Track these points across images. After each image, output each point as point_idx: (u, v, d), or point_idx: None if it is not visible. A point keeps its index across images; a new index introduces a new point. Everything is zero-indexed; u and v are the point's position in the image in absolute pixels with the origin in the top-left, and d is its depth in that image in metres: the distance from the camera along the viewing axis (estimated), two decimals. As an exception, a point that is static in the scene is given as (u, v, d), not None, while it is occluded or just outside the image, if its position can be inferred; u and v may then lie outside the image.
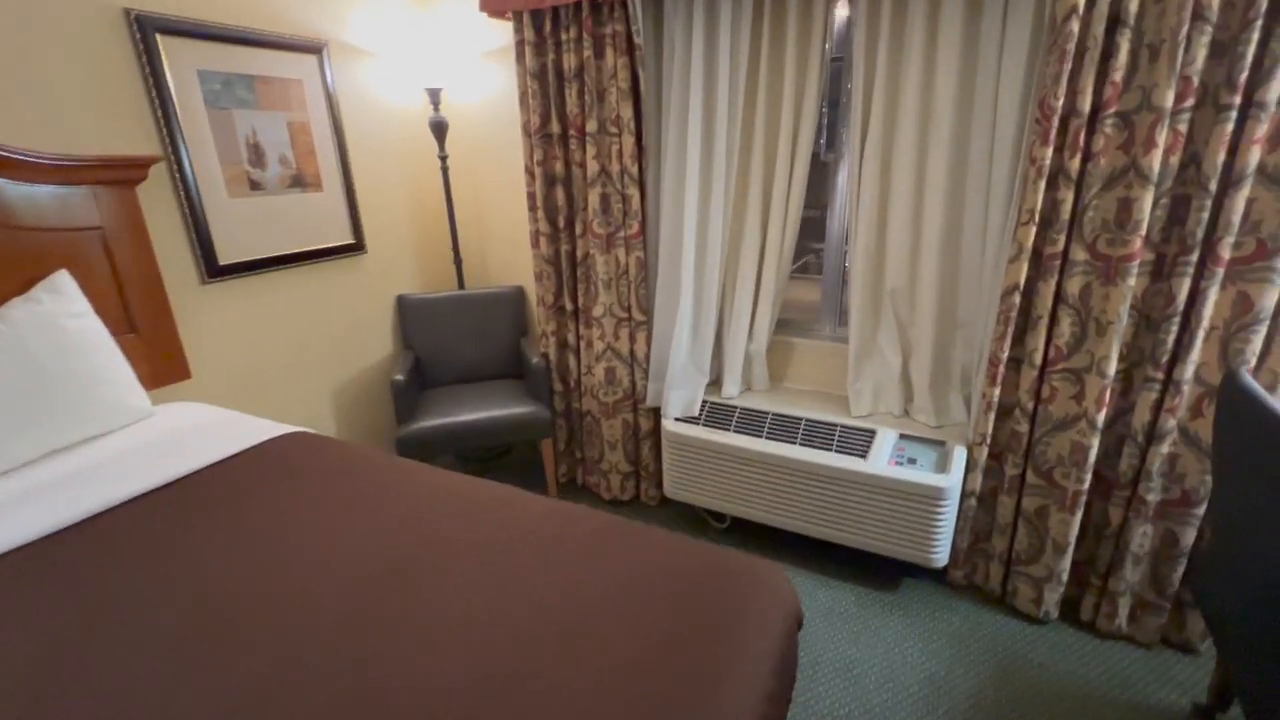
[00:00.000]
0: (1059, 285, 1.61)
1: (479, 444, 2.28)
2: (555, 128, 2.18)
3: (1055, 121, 1.49)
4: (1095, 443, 1.64)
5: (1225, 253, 1.41)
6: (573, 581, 1.06)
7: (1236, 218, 1.39)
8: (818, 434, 2.01)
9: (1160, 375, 1.55)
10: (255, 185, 2.03)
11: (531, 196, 2.29)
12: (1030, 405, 1.72)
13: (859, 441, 1.96)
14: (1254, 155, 1.34)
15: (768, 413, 2.12)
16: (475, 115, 2.61)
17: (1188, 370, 1.51)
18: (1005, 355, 1.70)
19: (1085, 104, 1.46)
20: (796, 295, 2.32)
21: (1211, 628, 1.28)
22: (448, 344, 2.61)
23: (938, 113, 1.72)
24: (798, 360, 2.28)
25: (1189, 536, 1.62)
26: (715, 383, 2.32)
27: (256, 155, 2.02)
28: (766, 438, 2.05)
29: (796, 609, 1.08)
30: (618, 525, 1.21)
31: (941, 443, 1.91)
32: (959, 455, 1.83)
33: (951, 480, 1.78)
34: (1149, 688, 1.62)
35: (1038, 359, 1.67)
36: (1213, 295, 1.45)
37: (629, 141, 2.04)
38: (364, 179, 2.41)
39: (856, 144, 1.86)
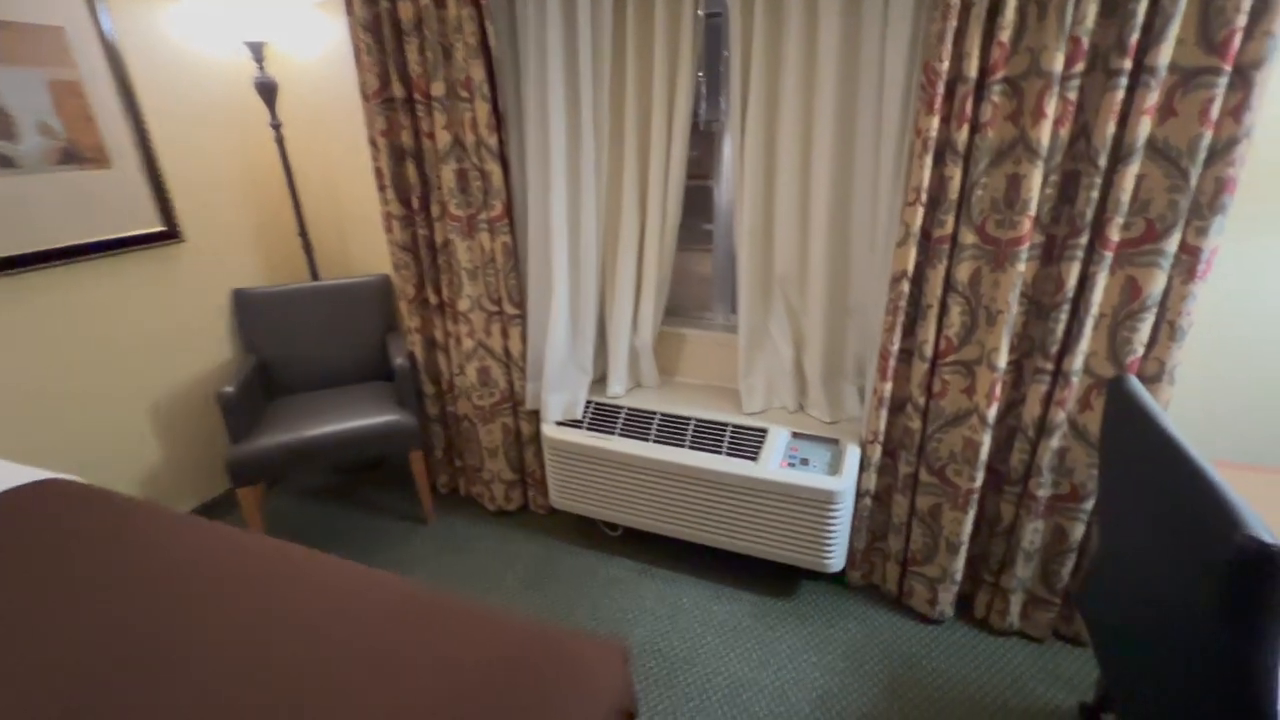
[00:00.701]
0: (948, 271, 1.48)
1: (335, 460, 1.98)
2: (398, 91, 1.85)
3: (941, 88, 1.32)
4: (987, 439, 1.53)
5: (1114, 235, 1.30)
6: (348, 686, 0.83)
7: (1126, 196, 1.27)
8: (708, 435, 1.84)
9: (1050, 366, 1.45)
10: (3, 162, 1.62)
11: (379, 173, 1.96)
12: (922, 400, 1.59)
13: (750, 442, 1.80)
14: (1144, 127, 1.22)
15: (656, 413, 1.93)
16: (310, 75, 2.22)
17: (1077, 361, 1.41)
18: (896, 347, 1.57)
19: (972, 68, 1.29)
20: (696, 269, 2.12)
21: (1090, 633, 1.19)
22: (299, 345, 2.26)
23: (821, 77, 1.52)
24: (690, 352, 2.10)
25: (1078, 532, 1.55)
26: (601, 380, 2.11)
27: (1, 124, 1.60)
28: (655, 441, 1.87)
29: (627, 705, 0.89)
30: (418, 603, 0.97)
31: (835, 441, 1.78)
32: (852, 455, 1.70)
33: (844, 483, 1.65)
34: (1039, 688, 1.57)
35: (928, 351, 1.54)
36: (1102, 281, 1.34)
37: (483, 108, 1.75)
38: (174, 152, 2.00)
39: (738, 113, 1.65)
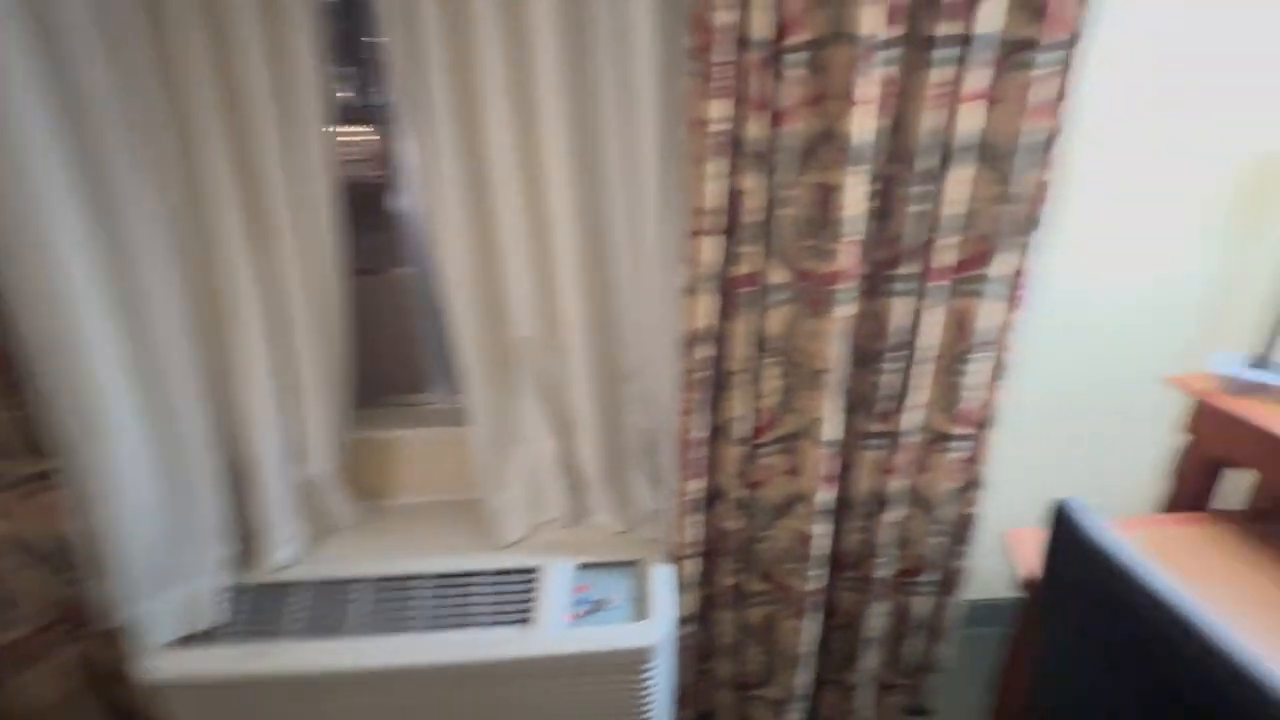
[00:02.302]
0: (758, 323, 1.05)
1: None
2: None
3: (719, 53, 0.86)
4: (824, 529, 1.17)
5: (943, 259, 1.00)
6: None
7: (954, 209, 0.97)
8: (451, 599, 1.18)
9: (880, 427, 1.13)
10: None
11: None
12: (742, 493, 1.17)
13: (517, 594, 1.19)
14: (973, 118, 0.91)
15: (356, 581, 1.19)
16: None
17: (911, 418, 1.11)
18: (699, 431, 1.10)
19: (763, 26, 0.85)
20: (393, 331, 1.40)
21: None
22: None
23: (537, 44, 0.95)
24: (407, 458, 1.39)
25: (923, 606, 1.30)
26: (253, 542, 1.27)
27: None
28: (360, 632, 1.13)
29: None
30: None
31: (635, 562, 1.26)
32: (662, 580, 1.21)
33: (658, 629, 1.14)
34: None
35: (743, 429, 1.11)
36: (933, 317, 1.04)
37: None
38: None
39: (421, 111, 0.99)
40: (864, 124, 0.90)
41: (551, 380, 1.24)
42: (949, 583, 1.28)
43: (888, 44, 0.87)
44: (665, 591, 1.19)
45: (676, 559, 1.22)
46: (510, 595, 1.19)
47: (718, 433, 1.15)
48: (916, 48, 0.91)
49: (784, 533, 1.21)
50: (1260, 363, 1.04)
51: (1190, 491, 1.16)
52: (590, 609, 1.18)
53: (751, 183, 0.93)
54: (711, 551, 1.26)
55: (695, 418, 1.08)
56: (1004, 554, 1.08)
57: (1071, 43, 0.89)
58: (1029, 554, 0.98)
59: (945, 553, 1.25)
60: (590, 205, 1.07)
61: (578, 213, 1.06)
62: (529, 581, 1.21)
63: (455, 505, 1.38)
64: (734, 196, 0.96)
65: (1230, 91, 1.22)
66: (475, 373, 1.17)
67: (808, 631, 1.26)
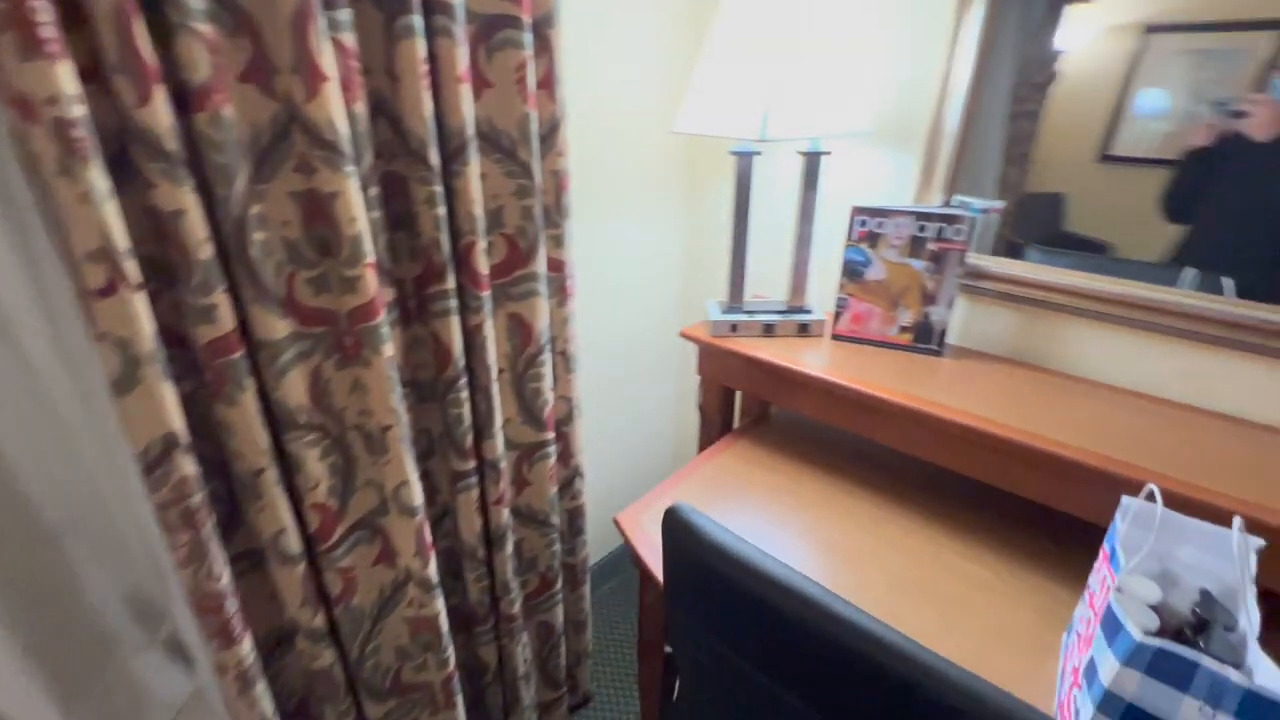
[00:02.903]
0: (262, 393, 0.72)
1: None
2: None
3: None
4: (441, 604, 0.96)
5: (482, 265, 0.87)
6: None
7: (478, 209, 0.84)
8: None
9: (470, 464, 0.97)
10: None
11: None
12: (318, 622, 0.85)
13: None
14: (466, 102, 0.78)
15: None
16: None
17: (497, 443, 0.98)
18: (215, 580, 0.73)
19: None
20: None
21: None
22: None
23: None
24: None
25: (559, 616, 1.25)
26: None
27: None
28: None
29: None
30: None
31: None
32: (234, 797, 0.80)
33: None
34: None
35: (291, 543, 0.78)
36: (490, 330, 0.91)
37: None
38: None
39: None
40: (336, 107, 0.66)
41: None
42: (576, 579, 1.26)
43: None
44: (245, 808, 0.80)
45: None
46: None
47: (252, 563, 0.79)
48: (379, 8, 0.71)
49: (395, 630, 0.96)
50: (729, 308, 1.28)
51: (715, 419, 1.39)
52: None
53: (183, 199, 0.59)
54: (301, 711, 0.91)
55: (201, 563, 0.70)
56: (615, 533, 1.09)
57: (548, 22, 0.83)
58: (638, 535, 0.99)
59: (565, 553, 1.22)
60: None
61: None
62: None
63: None
64: (160, 223, 0.60)
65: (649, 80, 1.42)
66: None
67: (459, 715, 1.06)
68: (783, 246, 1.29)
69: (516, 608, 1.13)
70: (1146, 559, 0.67)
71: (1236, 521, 0.63)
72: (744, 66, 0.99)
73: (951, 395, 0.97)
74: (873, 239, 1.11)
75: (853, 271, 1.15)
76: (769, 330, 1.23)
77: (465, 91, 0.77)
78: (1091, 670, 0.59)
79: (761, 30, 0.97)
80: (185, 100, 0.58)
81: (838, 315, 1.20)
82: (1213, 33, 0.87)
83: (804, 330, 1.23)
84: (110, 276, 0.56)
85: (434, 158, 0.77)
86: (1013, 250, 1.09)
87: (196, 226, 0.61)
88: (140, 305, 0.58)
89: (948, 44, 1.05)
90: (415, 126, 0.74)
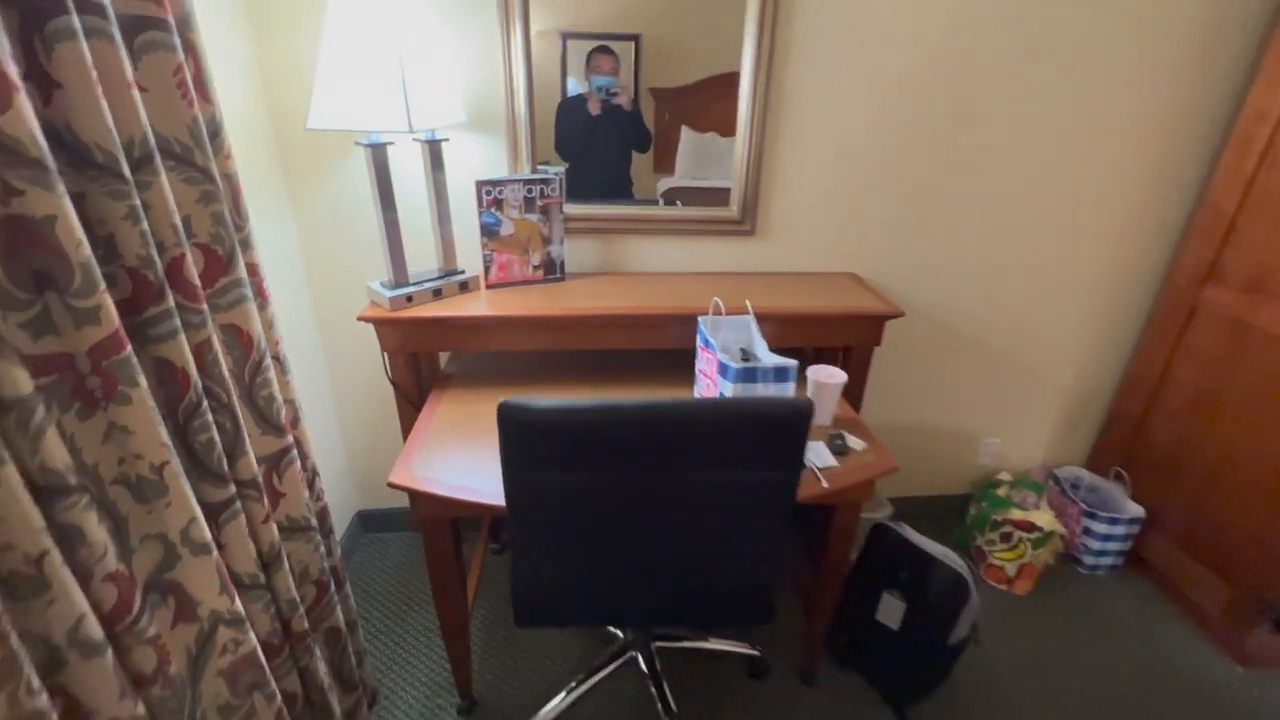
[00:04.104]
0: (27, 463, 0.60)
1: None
2: None
3: None
4: (253, 636, 0.91)
5: (194, 277, 0.84)
6: None
7: (177, 219, 0.81)
8: None
9: (231, 489, 0.92)
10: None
11: None
12: (139, 711, 0.74)
13: None
14: (141, 109, 0.75)
15: None
16: None
17: (250, 460, 0.96)
18: (38, 695, 0.60)
19: None
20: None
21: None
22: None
23: None
24: None
25: (341, 619, 1.25)
26: None
27: None
28: None
29: None
30: None
31: None
32: None
33: None
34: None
35: (94, 631, 0.67)
36: (215, 344, 0.88)
37: None
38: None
39: None
40: (25, 115, 0.59)
41: None
42: (339, 578, 1.27)
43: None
44: None
45: None
46: None
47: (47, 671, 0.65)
48: (14, 7, 0.63)
49: (213, 688, 0.87)
50: (396, 284, 1.42)
51: (410, 385, 1.52)
52: None
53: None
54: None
55: (18, 680, 0.57)
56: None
57: (188, 25, 0.83)
58: (421, 483, 1.13)
59: (326, 553, 1.22)
60: None
61: None
62: None
63: None
64: None
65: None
66: None
67: (296, 747, 1.02)
68: (421, 225, 1.50)
69: (306, 623, 1.11)
70: (719, 335, 1.27)
71: (751, 311, 1.27)
72: (369, 65, 1.15)
73: (579, 301, 1.44)
74: (498, 204, 1.45)
75: (490, 232, 1.47)
76: (438, 294, 1.45)
77: (139, 98, 0.74)
78: (720, 391, 1.15)
79: (368, 39, 1.15)
80: None
81: (486, 269, 1.51)
82: (599, 39, 1.45)
83: (464, 287, 1.50)
84: None
85: (126, 169, 0.72)
86: (583, 198, 1.60)
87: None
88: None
89: (504, 53, 1.42)
90: (100, 138, 0.69)
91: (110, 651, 0.69)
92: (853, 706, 1.52)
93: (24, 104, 0.58)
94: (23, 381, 0.60)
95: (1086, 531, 1.90)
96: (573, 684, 1.46)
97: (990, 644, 1.68)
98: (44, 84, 0.65)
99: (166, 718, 0.79)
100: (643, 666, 1.50)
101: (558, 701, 1.43)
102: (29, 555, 0.60)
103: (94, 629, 0.67)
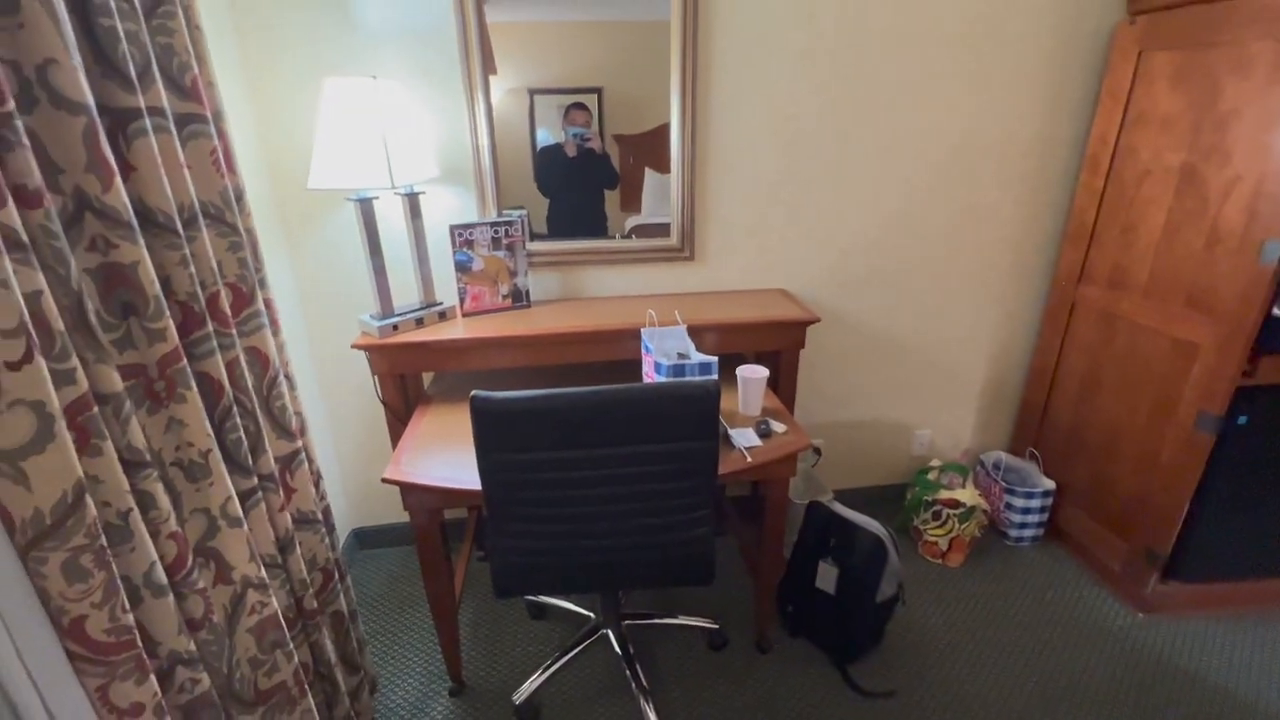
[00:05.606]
0: (129, 442, 0.81)
1: None
2: None
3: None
4: (275, 600, 1.11)
5: (227, 308, 1.07)
6: None
7: (214, 263, 1.04)
8: None
9: (255, 480, 1.13)
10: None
11: None
12: (191, 647, 0.94)
13: None
14: (189, 183, 0.99)
15: None
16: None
17: (270, 458, 1.17)
18: (128, 613, 0.80)
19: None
20: None
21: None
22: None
23: None
24: None
25: (345, 605, 1.44)
26: None
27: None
28: None
29: None
30: None
31: None
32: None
33: None
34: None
35: (161, 576, 0.87)
36: (243, 361, 1.11)
37: None
38: None
39: None
40: (121, 191, 0.83)
41: None
42: (341, 571, 1.46)
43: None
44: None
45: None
46: None
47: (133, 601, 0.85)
48: (108, 116, 0.87)
49: (244, 643, 1.06)
50: (384, 316, 1.66)
51: (398, 403, 1.74)
52: None
53: (39, 281, 0.70)
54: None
55: (115, 599, 0.78)
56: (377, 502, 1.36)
57: (220, 117, 1.08)
58: (411, 477, 1.35)
59: (330, 547, 1.42)
60: None
61: None
62: None
63: None
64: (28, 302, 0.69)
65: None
66: None
67: (311, 705, 1.20)
68: (403, 263, 1.74)
69: (316, 603, 1.30)
70: (659, 344, 1.52)
71: (681, 325, 1.52)
72: (357, 135, 1.41)
73: (544, 323, 1.68)
74: (469, 243, 1.70)
75: (463, 268, 1.72)
76: (420, 323, 1.68)
77: (188, 174, 0.98)
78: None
79: (356, 116, 1.41)
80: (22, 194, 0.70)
81: (462, 300, 1.75)
82: (565, 94, 1.74)
83: (443, 316, 1.73)
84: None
85: (179, 227, 0.96)
86: (543, 237, 1.86)
87: (38, 302, 0.72)
88: (47, 373, 0.68)
89: (470, 118, 1.70)
90: (162, 205, 0.92)
91: (171, 596, 0.90)
92: (803, 669, 1.71)
93: (119, 184, 0.82)
94: (116, 382, 0.82)
95: (1009, 507, 2.14)
96: (549, 661, 1.64)
97: (925, 610, 1.89)
98: (124, 167, 0.90)
99: (210, 659, 0.98)
100: (613, 642, 1.68)
101: (536, 677, 1.61)
102: (120, 510, 0.81)
103: (161, 575, 0.88)
